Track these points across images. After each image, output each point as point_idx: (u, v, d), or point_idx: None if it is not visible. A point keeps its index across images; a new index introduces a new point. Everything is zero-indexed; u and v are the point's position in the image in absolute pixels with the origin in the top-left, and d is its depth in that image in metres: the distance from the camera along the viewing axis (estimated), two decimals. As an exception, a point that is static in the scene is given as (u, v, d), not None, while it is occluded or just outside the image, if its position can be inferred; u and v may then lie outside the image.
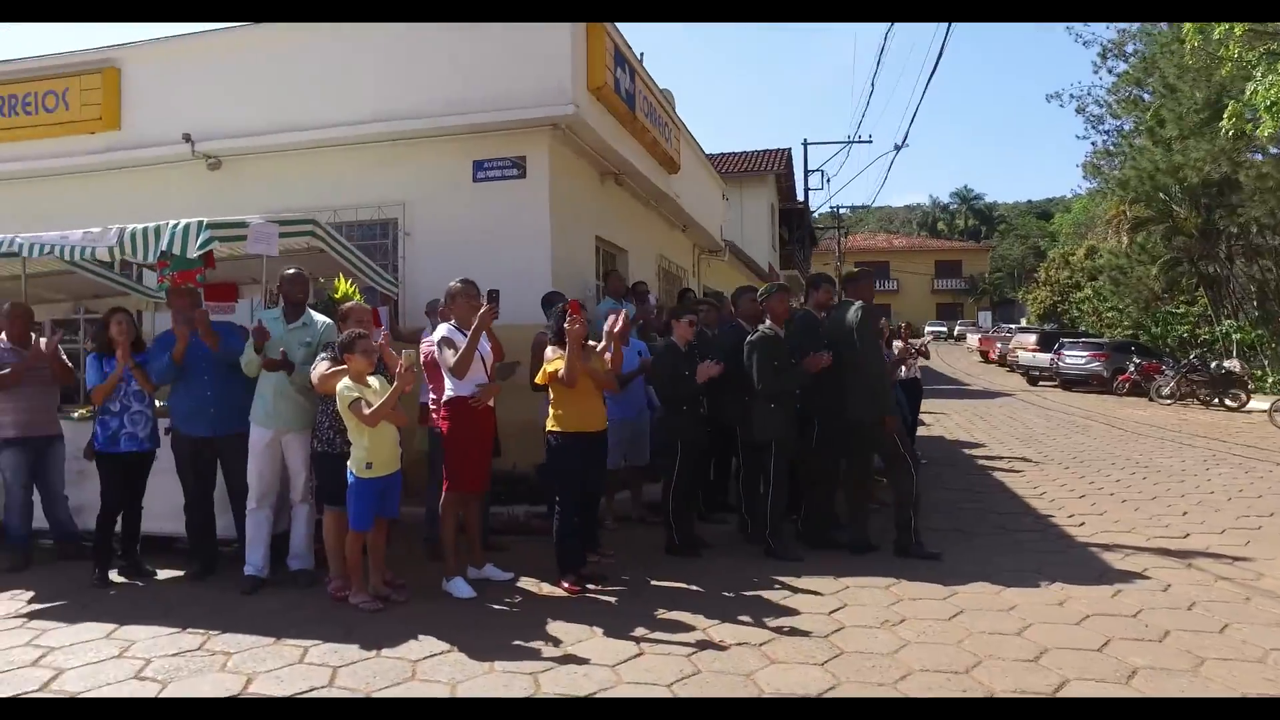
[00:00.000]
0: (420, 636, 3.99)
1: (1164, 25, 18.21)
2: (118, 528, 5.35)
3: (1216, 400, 17.30)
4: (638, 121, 8.96)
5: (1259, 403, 16.37)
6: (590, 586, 4.86)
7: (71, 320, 8.99)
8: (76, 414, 6.16)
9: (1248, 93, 10.83)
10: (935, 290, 59.89)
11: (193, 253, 5.12)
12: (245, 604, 4.64)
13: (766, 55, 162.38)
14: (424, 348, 5.57)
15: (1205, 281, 20.32)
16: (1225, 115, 11.40)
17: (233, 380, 5.27)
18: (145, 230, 5.28)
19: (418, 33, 7.77)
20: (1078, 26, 23.04)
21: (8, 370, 5.54)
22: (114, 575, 5.23)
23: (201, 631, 4.15)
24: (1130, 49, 23.15)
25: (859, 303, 5.76)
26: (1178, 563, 5.33)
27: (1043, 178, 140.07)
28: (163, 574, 5.31)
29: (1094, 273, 28.68)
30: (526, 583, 5.02)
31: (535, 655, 3.78)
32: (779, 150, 25.68)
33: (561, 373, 4.73)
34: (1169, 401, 17.79)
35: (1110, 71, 24.33)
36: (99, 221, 6.34)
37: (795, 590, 4.75)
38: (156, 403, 5.49)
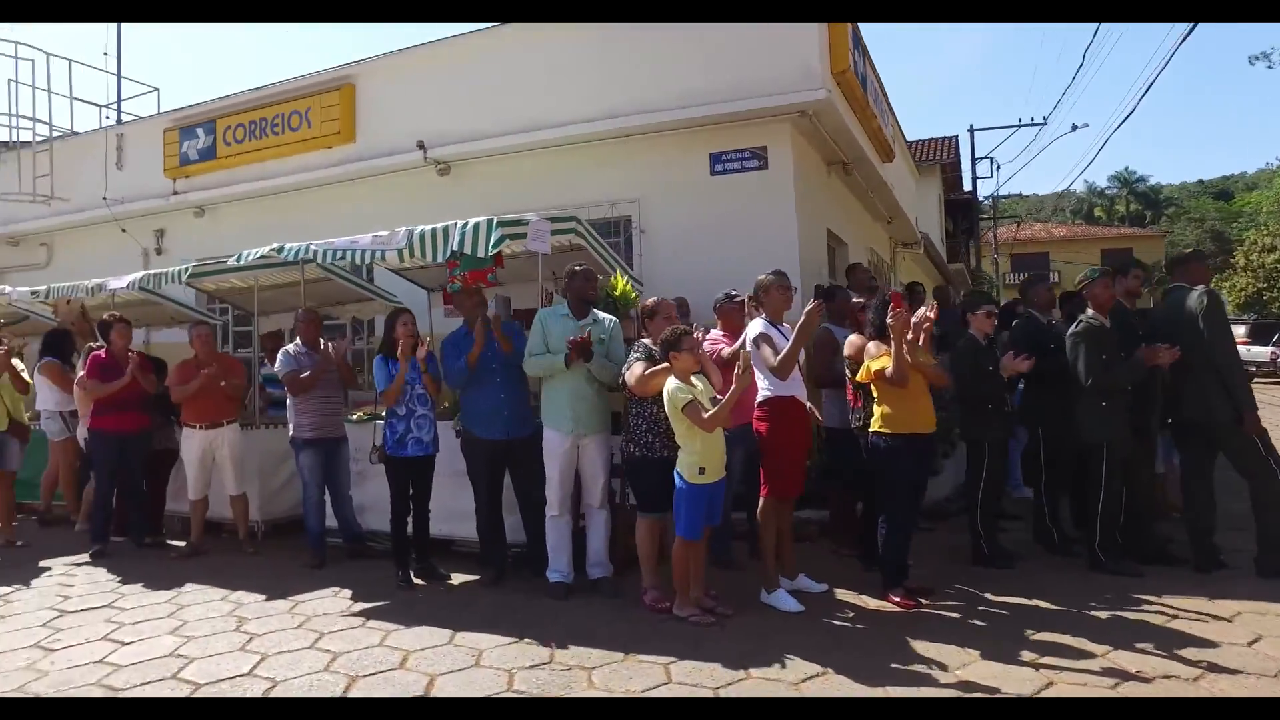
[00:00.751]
0: (787, 658, 3.68)
1: None
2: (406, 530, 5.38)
3: None
4: (868, 107, 8.48)
5: None
6: (922, 600, 4.46)
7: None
8: (355, 416, 6.31)
9: None
10: (1102, 282, 55.53)
11: (486, 251, 5.06)
12: (563, 612, 4.50)
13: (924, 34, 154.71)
14: (708, 345, 5.34)
15: None
16: None
17: (522, 382, 5.21)
18: (434, 231, 5.27)
19: (652, 25, 7.60)
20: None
21: (308, 373, 5.70)
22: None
23: (539, 642, 4.02)
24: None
25: (1201, 287, 5.09)
26: None
27: (1214, 154, 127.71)
28: (456, 578, 5.29)
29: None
30: (843, 594, 4.67)
31: (927, 680, 3.41)
32: (946, 138, 24.40)
33: (890, 371, 4.35)
34: None
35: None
36: (337, 232, 6.50)
37: (1174, 614, 4.17)
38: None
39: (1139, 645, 3.71)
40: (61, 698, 3.54)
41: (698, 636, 4.01)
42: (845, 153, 8.50)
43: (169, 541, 6.67)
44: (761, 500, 4.61)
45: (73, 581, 5.53)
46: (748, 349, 4.56)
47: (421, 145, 8.47)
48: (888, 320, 4.35)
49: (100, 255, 11.36)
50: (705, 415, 4.06)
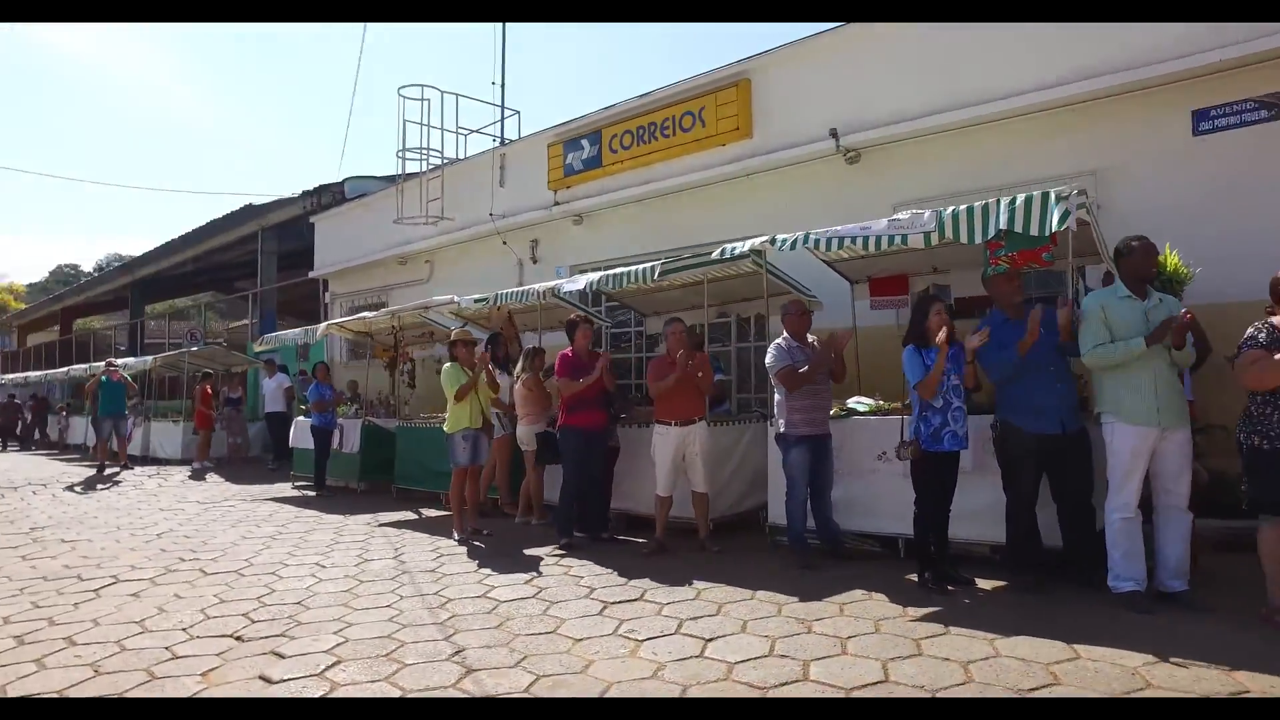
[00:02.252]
0: None
1: None
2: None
3: None
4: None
5: None
6: None
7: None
8: (831, 411, 6.04)
9: None
10: None
11: (1047, 228, 4.55)
12: (1171, 629, 3.92)
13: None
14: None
15: None
16: None
17: (1072, 371, 4.71)
18: (970, 210, 4.86)
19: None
20: None
21: (805, 368, 5.50)
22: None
23: (1210, 664, 3.41)
24: None
25: None
26: None
27: None
28: (981, 583, 4.86)
29: None
30: None
31: None
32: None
33: None
34: None
35: None
36: (729, 230, 6.24)
37: None
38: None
39: None
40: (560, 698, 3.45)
41: None
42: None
43: (617, 537, 6.81)
44: None
45: (580, 573, 5.66)
46: None
47: (834, 133, 8.17)
48: None
49: (478, 267, 12.36)
50: None
